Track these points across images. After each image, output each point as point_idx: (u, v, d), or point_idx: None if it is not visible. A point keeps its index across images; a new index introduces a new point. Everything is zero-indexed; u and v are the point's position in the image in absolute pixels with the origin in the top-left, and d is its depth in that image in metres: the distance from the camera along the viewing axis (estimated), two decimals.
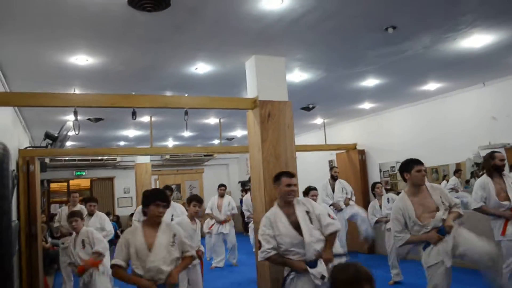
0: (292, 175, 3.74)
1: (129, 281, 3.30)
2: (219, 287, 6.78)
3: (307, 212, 3.65)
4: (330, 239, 3.61)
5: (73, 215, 5.03)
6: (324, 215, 3.67)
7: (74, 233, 5.06)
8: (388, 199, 6.91)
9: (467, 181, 7.43)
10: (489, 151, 5.94)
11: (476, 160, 7.08)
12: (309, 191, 6.05)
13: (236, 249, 8.81)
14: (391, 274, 6.47)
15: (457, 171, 7.57)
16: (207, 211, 8.85)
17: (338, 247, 3.91)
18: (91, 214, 6.35)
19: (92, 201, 6.49)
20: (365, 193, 9.19)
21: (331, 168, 8.51)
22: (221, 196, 8.95)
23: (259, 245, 3.64)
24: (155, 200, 3.39)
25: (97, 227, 6.13)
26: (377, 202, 7.08)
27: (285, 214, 3.64)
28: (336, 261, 3.54)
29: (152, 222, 3.41)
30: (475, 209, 4.86)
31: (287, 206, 3.68)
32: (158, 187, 14.19)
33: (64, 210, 7.46)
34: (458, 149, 7.25)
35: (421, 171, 3.87)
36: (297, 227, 3.57)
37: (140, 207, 8.40)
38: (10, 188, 1.13)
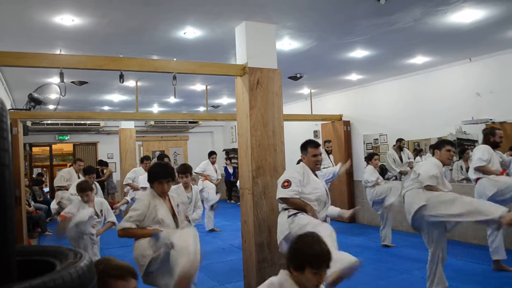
0: (318, 144, 3.96)
1: (139, 234, 3.26)
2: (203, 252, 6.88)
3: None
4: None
5: (84, 190, 4.90)
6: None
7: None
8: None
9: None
10: (471, 126, 6.10)
11: (458, 136, 7.23)
12: None
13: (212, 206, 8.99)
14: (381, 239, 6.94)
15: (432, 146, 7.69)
16: (198, 170, 9.10)
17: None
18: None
19: (91, 173, 6.41)
20: None
21: (324, 142, 8.64)
22: (213, 163, 9.40)
23: (286, 184, 3.76)
24: (157, 178, 3.41)
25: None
26: (375, 171, 7.20)
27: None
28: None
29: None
30: (477, 168, 5.13)
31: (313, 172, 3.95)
32: (141, 153, 14.18)
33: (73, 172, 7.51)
34: (441, 123, 7.38)
35: (450, 151, 4.15)
36: None
37: (132, 170, 8.45)
38: (9, 141, 1.13)
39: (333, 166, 8.20)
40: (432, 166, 4.14)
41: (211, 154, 9.58)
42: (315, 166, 3.90)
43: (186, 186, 5.25)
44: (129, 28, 4.79)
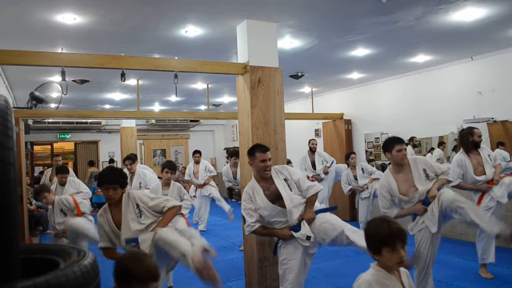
0: (266, 149, 3.68)
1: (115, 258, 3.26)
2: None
3: (285, 180, 3.69)
4: (310, 199, 3.66)
5: (39, 193, 5.08)
6: (303, 179, 3.71)
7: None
8: (362, 169, 7.33)
9: (450, 155, 7.59)
10: (472, 125, 6.06)
11: None
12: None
13: (223, 202, 8.88)
14: None
15: (441, 143, 7.72)
16: (186, 177, 9.03)
17: (318, 205, 3.96)
18: (63, 184, 6.27)
19: (63, 173, 6.32)
20: None
21: (309, 140, 8.56)
22: (197, 162, 8.98)
23: (243, 220, 3.70)
24: (101, 184, 3.25)
25: (73, 192, 6.11)
26: (351, 171, 7.45)
27: (261, 187, 3.66)
28: (321, 215, 3.64)
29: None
30: (453, 186, 4.93)
31: (264, 179, 3.70)
32: (143, 152, 14.19)
33: (49, 172, 7.42)
34: (442, 122, 7.38)
35: (401, 151, 3.84)
36: (275, 198, 3.62)
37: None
38: (14, 139, 1.14)
39: (323, 164, 8.21)
40: (380, 199, 3.99)
41: (194, 153, 9.10)
42: (263, 172, 3.63)
43: (167, 183, 5.22)
44: (131, 26, 4.79)
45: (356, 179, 7.37)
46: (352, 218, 9.18)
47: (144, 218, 3.25)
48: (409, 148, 7.90)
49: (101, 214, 3.35)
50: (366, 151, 9.12)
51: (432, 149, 7.83)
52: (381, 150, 4.13)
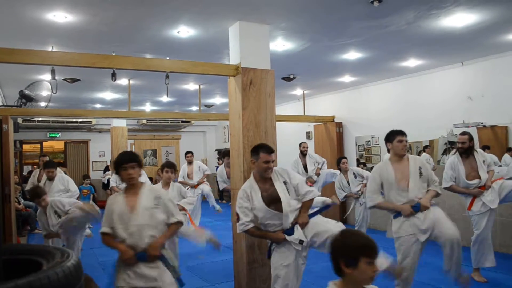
0: (271, 150, 3.64)
1: (113, 246, 3.19)
2: (194, 252, 6.86)
3: (285, 183, 3.65)
4: (306, 204, 3.64)
5: (38, 196, 4.96)
6: (302, 184, 3.69)
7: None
8: (354, 173, 7.21)
9: (440, 159, 7.63)
10: (462, 129, 6.12)
11: (449, 138, 7.27)
12: None
13: (212, 198, 8.96)
14: None
15: (426, 147, 7.76)
16: (180, 179, 8.90)
17: (317, 201, 3.96)
18: (51, 179, 6.22)
19: (50, 167, 6.31)
20: None
21: (300, 144, 8.55)
22: (190, 163, 9.00)
23: (237, 217, 3.63)
24: (121, 164, 3.23)
25: (61, 189, 6.05)
26: (343, 177, 7.30)
27: (260, 188, 3.62)
28: (314, 218, 3.65)
29: (129, 186, 3.27)
30: (445, 188, 5.03)
31: (263, 180, 3.66)
32: (134, 151, 14.09)
33: (37, 173, 7.34)
34: (432, 126, 7.42)
35: (402, 142, 3.99)
36: (271, 200, 3.58)
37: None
38: None
39: (315, 166, 8.22)
40: (369, 182, 4.08)
41: (186, 154, 9.19)
42: (265, 173, 3.60)
43: (167, 183, 5.25)
44: (122, 26, 4.76)
45: (348, 184, 7.24)
46: (342, 221, 9.20)
47: (158, 212, 3.22)
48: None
49: (113, 197, 3.31)
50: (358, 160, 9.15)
51: (420, 151, 7.88)
52: (384, 141, 4.19)
